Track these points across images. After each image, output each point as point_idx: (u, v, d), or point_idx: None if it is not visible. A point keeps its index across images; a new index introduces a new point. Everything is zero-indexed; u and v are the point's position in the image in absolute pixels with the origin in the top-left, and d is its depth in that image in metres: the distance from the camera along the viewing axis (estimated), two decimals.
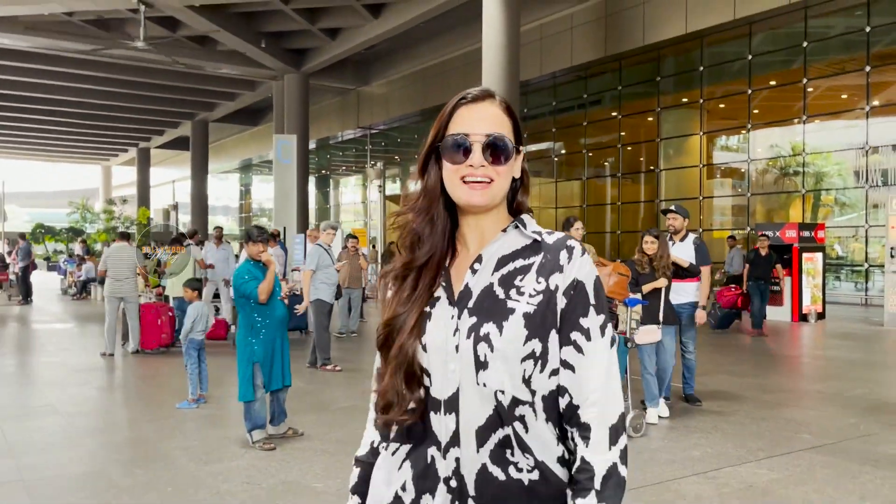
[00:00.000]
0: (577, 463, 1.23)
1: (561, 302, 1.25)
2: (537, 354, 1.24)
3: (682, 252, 6.85)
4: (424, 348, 1.27)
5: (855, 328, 12.96)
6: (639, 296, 6.05)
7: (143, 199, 46.49)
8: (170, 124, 41.41)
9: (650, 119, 23.17)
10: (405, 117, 32.23)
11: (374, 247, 25.25)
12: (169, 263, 10.05)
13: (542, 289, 1.25)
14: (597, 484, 1.20)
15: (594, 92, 24.53)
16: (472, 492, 1.22)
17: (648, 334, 5.97)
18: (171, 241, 10.56)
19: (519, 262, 1.28)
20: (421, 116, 31.65)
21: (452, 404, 1.23)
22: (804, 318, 13.91)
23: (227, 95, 34.56)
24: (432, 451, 1.25)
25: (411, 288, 1.30)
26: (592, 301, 1.26)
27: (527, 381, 1.23)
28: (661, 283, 6.10)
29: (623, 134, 24.05)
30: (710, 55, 20.92)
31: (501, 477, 1.22)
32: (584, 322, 1.25)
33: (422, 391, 1.26)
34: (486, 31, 20.83)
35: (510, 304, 1.24)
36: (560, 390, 1.26)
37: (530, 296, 1.25)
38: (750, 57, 19.85)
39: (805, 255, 14.21)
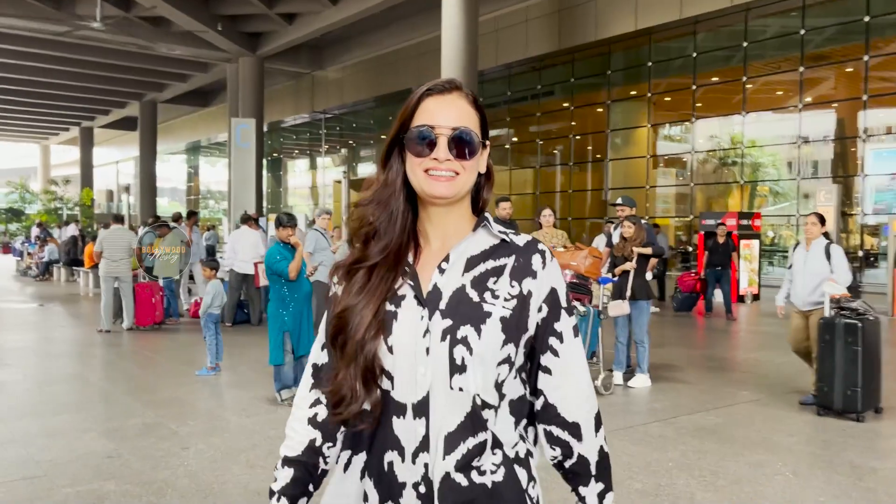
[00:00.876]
0: (574, 458, 1.29)
1: (540, 311, 1.27)
2: (512, 359, 1.24)
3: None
4: (390, 350, 1.22)
5: (786, 308, 14.23)
6: (609, 275, 6.92)
7: (87, 179, 45.61)
8: (116, 104, 40.70)
9: (600, 110, 24.26)
10: (360, 103, 32.64)
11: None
12: (157, 246, 10.47)
13: (517, 293, 1.25)
14: (593, 469, 1.30)
15: (547, 83, 25.47)
16: (436, 499, 1.20)
17: (618, 308, 6.84)
18: (158, 227, 10.96)
19: (490, 264, 1.27)
20: (375, 102, 32.13)
21: (422, 409, 1.21)
22: (741, 299, 15.11)
23: (179, 77, 34.28)
24: (390, 456, 1.23)
25: (364, 280, 1.25)
26: (563, 305, 1.29)
27: (498, 386, 1.23)
28: (629, 265, 6.96)
29: (574, 124, 25.10)
30: (658, 51, 22.05)
31: (465, 483, 1.20)
32: (557, 326, 1.28)
33: (378, 393, 1.22)
34: (446, 22, 21.48)
35: (486, 307, 1.23)
36: (536, 391, 1.29)
37: (505, 300, 1.24)
38: (694, 54, 21.04)
39: (743, 242, 15.40)
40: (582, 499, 1.30)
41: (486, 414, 1.22)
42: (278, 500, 1.27)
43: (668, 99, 22.77)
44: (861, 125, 18.13)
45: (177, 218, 12.26)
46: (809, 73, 18.95)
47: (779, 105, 20.10)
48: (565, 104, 25.15)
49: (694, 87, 21.24)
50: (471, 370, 1.20)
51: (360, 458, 1.26)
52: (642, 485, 4.19)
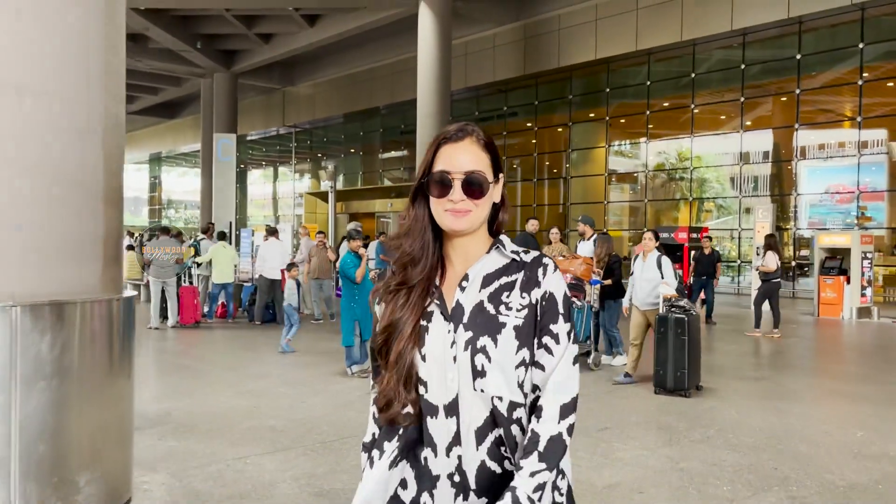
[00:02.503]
0: (528, 434, 1.38)
1: (538, 312, 1.42)
2: (527, 361, 1.41)
3: (586, 249, 9.27)
4: (424, 358, 1.40)
5: (730, 311, 16.14)
6: (598, 278, 8.66)
7: None
8: None
9: (560, 130, 26.23)
10: (331, 118, 34.05)
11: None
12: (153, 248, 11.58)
13: (527, 303, 1.41)
14: (540, 447, 1.36)
15: (513, 105, 27.34)
16: (472, 485, 1.38)
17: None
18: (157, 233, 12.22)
19: (503, 280, 1.43)
20: (345, 119, 33.63)
21: (453, 409, 1.38)
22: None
23: (151, 90, 35.09)
24: (425, 452, 1.40)
25: (405, 300, 1.44)
26: (561, 311, 1.43)
27: (521, 386, 1.40)
28: (607, 282, 8.67)
29: (536, 143, 27.04)
30: (615, 78, 24.13)
31: (498, 470, 1.38)
32: (553, 328, 1.42)
33: (415, 395, 1.41)
34: (422, 44, 23.14)
35: (501, 318, 1.39)
36: (533, 388, 1.42)
37: (517, 310, 1.40)
38: (648, 82, 23.18)
39: (693, 253, 17.39)
40: (519, 468, 1.36)
41: (518, 413, 1.39)
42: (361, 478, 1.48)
43: (624, 121, 24.85)
44: (794, 148, 20.47)
45: (205, 230, 13.50)
46: (749, 101, 21.24)
47: (722, 128, 22.33)
48: (529, 124, 27.06)
49: (647, 111, 23.36)
50: (490, 375, 1.37)
51: (396, 449, 1.43)
52: None
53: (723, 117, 22.40)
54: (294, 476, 4.29)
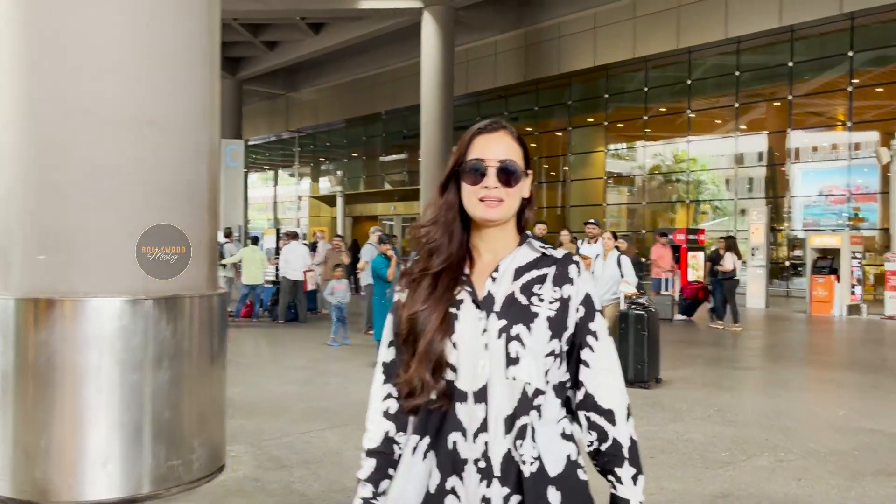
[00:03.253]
0: (609, 442, 1.46)
1: (578, 311, 1.48)
2: (556, 352, 1.45)
3: (593, 251, 9.90)
4: (454, 346, 1.43)
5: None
6: None
7: None
8: None
9: (560, 135, 26.99)
10: (333, 123, 34.76)
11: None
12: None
13: (558, 297, 1.47)
14: (626, 453, 1.46)
15: (513, 110, 28.08)
16: (497, 472, 1.39)
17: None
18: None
19: (534, 273, 1.48)
20: (347, 124, 34.37)
21: (482, 395, 1.41)
22: None
23: None
24: (454, 437, 1.42)
25: (430, 288, 1.46)
26: (597, 308, 1.52)
27: (546, 374, 1.45)
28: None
29: (535, 146, 27.79)
30: (613, 84, 24.89)
31: (520, 461, 1.41)
32: (592, 326, 1.49)
33: (444, 383, 1.42)
34: (425, 51, 23.88)
35: (534, 308, 1.44)
36: (577, 384, 1.49)
37: (550, 302, 1.45)
38: (645, 88, 23.94)
39: (690, 254, 18.11)
40: (618, 479, 1.45)
41: (539, 400, 1.43)
42: (363, 486, 1.49)
43: (621, 125, 25.60)
44: (787, 151, 21.25)
45: (227, 234, 14.19)
46: (743, 106, 22.02)
47: (718, 132, 23.10)
48: (529, 129, 27.79)
49: (645, 116, 24.13)
50: (523, 362, 1.41)
51: (426, 442, 1.44)
52: None
53: (718, 121, 23.16)
54: (356, 446, 4.98)
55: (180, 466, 3.98)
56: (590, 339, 1.48)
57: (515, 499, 1.39)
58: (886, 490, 4.21)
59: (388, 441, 1.50)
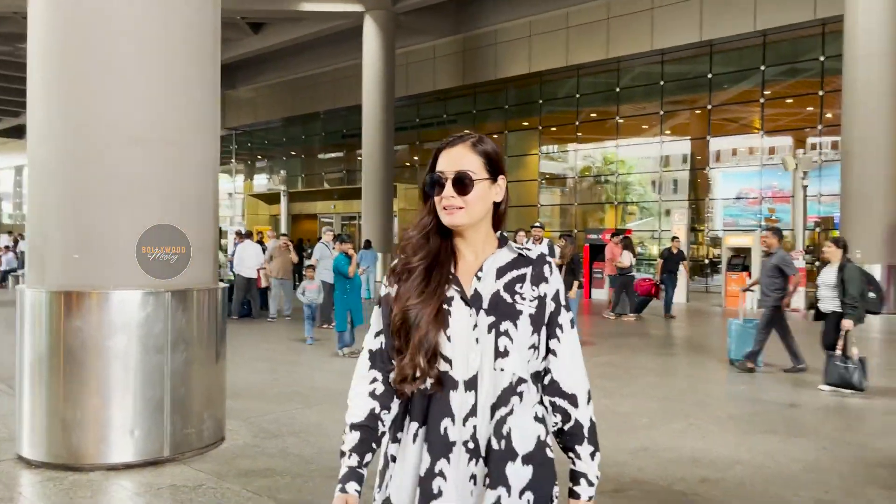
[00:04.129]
0: (572, 423, 1.65)
1: (550, 306, 1.65)
2: (536, 345, 1.63)
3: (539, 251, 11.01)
4: (449, 339, 1.58)
5: (652, 304, 18.20)
6: None
7: None
8: (10, 113, 40.68)
9: (496, 137, 28.02)
10: (272, 122, 34.98)
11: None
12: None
13: (537, 295, 1.64)
14: (585, 433, 1.66)
15: (453, 113, 28.99)
16: (482, 452, 1.58)
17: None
18: None
19: (514, 273, 1.65)
20: (286, 123, 34.66)
21: (472, 384, 1.58)
22: None
23: None
24: (445, 423, 1.58)
25: (422, 285, 1.61)
26: (563, 303, 1.69)
27: (528, 364, 1.62)
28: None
29: None
30: (547, 90, 26.08)
31: (497, 446, 1.58)
32: (560, 319, 1.67)
33: (437, 371, 1.57)
34: (367, 53, 24.52)
35: (518, 306, 1.61)
36: (545, 370, 1.66)
37: (530, 301, 1.62)
38: (577, 95, 25.21)
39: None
40: (578, 455, 1.66)
41: (521, 387, 1.60)
42: (349, 457, 1.62)
43: (555, 129, 26.84)
44: (707, 156, 22.82)
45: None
46: (667, 113, 23.51)
47: (644, 137, 24.54)
48: (467, 131, 28.67)
49: (577, 121, 25.40)
50: (511, 355, 1.58)
51: (423, 430, 1.60)
52: None
53: (645, 126, 24.59)
54: (335, 419, 5.75)
55: (193, 434, 4.67)
56: (557, 330, 1.66)
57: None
58: (771, 445, 5.22)
59: (373, 416, 1.64)
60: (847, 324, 6.97)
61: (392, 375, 1.64)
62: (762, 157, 21.84)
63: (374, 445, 1.65)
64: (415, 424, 1.62)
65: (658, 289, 14.67)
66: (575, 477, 1.66)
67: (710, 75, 22.19)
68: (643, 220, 24.69)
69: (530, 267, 1.67)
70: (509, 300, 1.61)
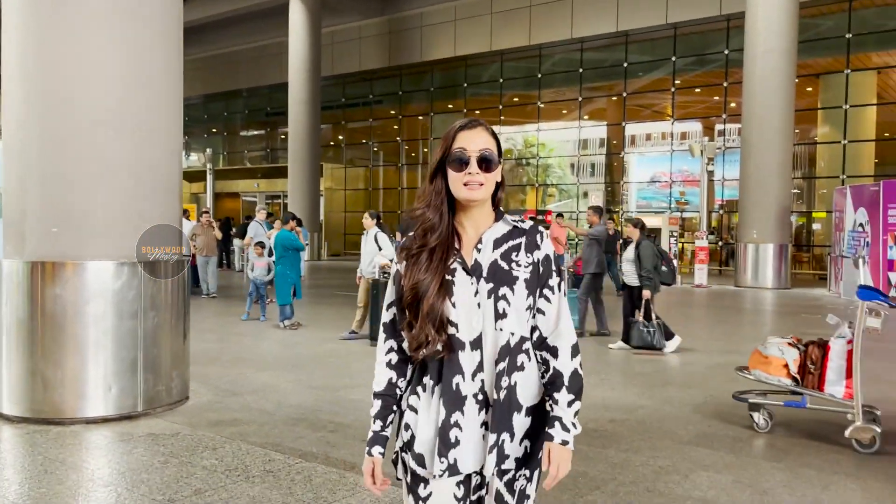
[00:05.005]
0: (551, 371, 1.80)
1: (541, 270, 1.81)
2: (532, 306, 1.81)
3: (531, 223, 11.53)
4: (454, 305, 1.76)
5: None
6: None
7: None
8: None
9: (422, 119, 28.61)
10: (191, 99, 34.39)
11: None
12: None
13: (531, 261, 1.80)
14: (566, 381, 1.79)
15: (379, 94, 29.35)
16: (490, 402, 1.77)
17: None
18: None
19: (510, 243, 1.81)
20: (206, 100, 34.16)
21: (477, 344, 1.76)
22: None
23: None
24: (456, 379, 1.75)
25: (428, 261, 1.78)
26: (553, 268, 1.84)
27: (526, 324, 1.80)
28: None
29: (397, 129, 29.27)
30: (472, 74, 26.80)
31: (497, 395, 1.76)
32: (550, 282, 1.83)
33: (446, 336, 1.75)
34: (293, 30, 24.57)
35: (514, 273, 1.77)
36: (533, 329, 1.82)
37: (525, 267, 1.79)
38: (501, 79, 26.04)
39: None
40: (556, 401, 1.79)
41: (526, 345, 1.80)
42: (374, 422, 1.85)
43: (479, 112, 27.59)
44: (622, 140, 24.08)
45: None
46: (585, 99, 24.63)
47: (564, 121, 25.63)
48: (393, 112, 29.21)
49: (500, 105, 26.25)
50: (509, 317, 1.76)
51: (438, 386, 1.78)
52: None
53: (564, 111, 25.68)
54: (287, 380, 6.31)
55: (163, 391, 5.15)
56: (547, 291, 1.83)
57: None
58: (669, 393, 6.10)
59: (391, 385, 1.85)
60: (646, 293, 7.91)
61: (405, 344, 1.82)
62: (673, 142, 23.25)
63: (393, 409, 1.87)
64: (431, 382, 1.80)
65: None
66: (551, 421, 1.80)
67: (625, 64, 23.39)
68: (562, 202, 25.83)
69: (524, 237, 1.83)
70: (506, 268, 1.78)
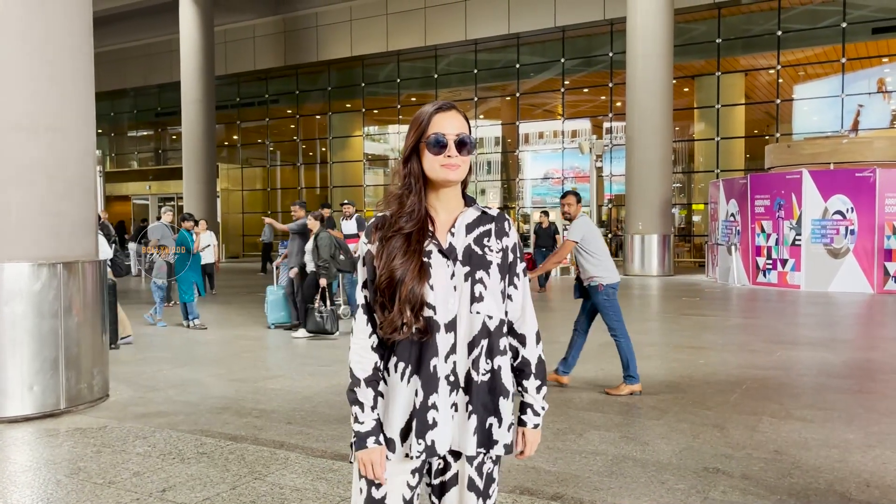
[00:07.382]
0: (520, 359, 1.88)
1: (510, 257, 1.86)
2: (503, 290, 1.86)
3: (349, 227, 11.73)
4: (432, 288, 1.77)
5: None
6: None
7: None
8: None
9: (320, 118, 28.63)
10: None
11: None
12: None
13: (501, 247, 1.85)
14: (533, 369, 1.88)
15: (275, 93, 29.13)
16: (461, 384, 1.79)
17: None
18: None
19: (481, 229, 1.84)
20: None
21: (452, 326, 1.78)
22: None
23: None
24: (434, 361, 1.77)
25: (404, 245, 1.77)
26: (519, 255, 1.90)
27: (501, 307, 1.85)
28: None
29: (294, 128, 29.17)
30: (369, 74, 27.07)
31: (476, 378, 1.79)
32: (517, 269, 1.89)
33: (422, 319, 1.75)
34: (183, 31, 24.08)
35: (488, 257, 1.82)
36: (504, 312, 1.86)
37: (496, 252, 1.83)
38: (398, 79, 26.45)
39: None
40: (525, 389, 1.89)
41: (504, 328, 1.85)
42: (372, 411, 1.79)
43: (377, 112, 27.93)
44: (517, 140, 25.01)
45: None
46: (481, 99, 25.41)
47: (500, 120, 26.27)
48: (290, 111, 29.07)
49: (398, 104, 26.65)
50: (485, 300, 1.80)
51: (409, 368, 1.78)
52: None
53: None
54: (206, 375, 6.48)
55: (85, 389, 5.26)
56: (515, 279, 1.89)
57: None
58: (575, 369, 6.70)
59: (376, 369, 1.82)
60: (322, 281, 8.51)
61: (380, 327, 1.79)
62: (564, 140, 24.37)
63: (380, 389, 1.82)
64: (402, 364, 1.78)
65: (533, 263, 14.82)
66: (523, 407, 1.92)
67: (517, 65, 24.30)
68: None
69: (493, 223, 1.87)
70: (479, 252, 1.82)
